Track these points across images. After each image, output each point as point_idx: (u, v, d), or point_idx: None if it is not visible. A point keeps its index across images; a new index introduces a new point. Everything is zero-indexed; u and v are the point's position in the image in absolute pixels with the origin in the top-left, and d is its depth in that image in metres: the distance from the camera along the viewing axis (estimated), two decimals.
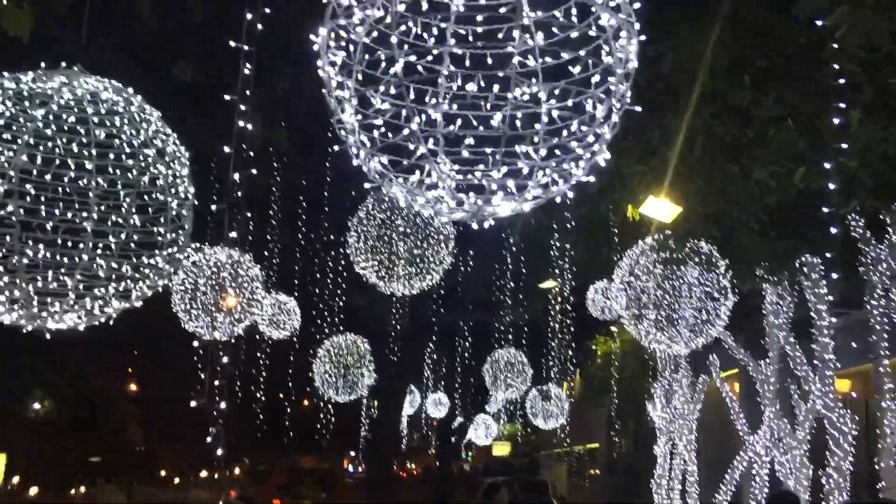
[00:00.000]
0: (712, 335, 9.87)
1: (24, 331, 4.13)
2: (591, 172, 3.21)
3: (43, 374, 35.31)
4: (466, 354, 18.05)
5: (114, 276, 4.08)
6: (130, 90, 4.22)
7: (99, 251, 4.09)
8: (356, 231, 9.15)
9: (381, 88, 3.09)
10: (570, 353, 18.91)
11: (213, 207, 6.99)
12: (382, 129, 3.18)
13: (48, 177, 3.99)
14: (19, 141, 3.92)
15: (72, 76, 4.05)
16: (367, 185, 3.36)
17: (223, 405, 6.74)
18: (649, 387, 17.25)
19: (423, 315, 13.80)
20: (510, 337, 16.96)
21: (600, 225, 9.85)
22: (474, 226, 3.57)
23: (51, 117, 4.04)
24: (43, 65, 4.08)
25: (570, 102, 3.07)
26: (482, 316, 15.99)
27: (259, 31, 5.68)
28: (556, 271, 12.99)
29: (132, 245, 4.14)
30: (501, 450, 57.91)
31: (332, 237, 11.93)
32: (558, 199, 3.37)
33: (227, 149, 5.61)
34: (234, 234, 6.92)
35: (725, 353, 13.03)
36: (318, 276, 12.60)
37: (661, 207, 7.91)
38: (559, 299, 15.18)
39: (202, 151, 7.47)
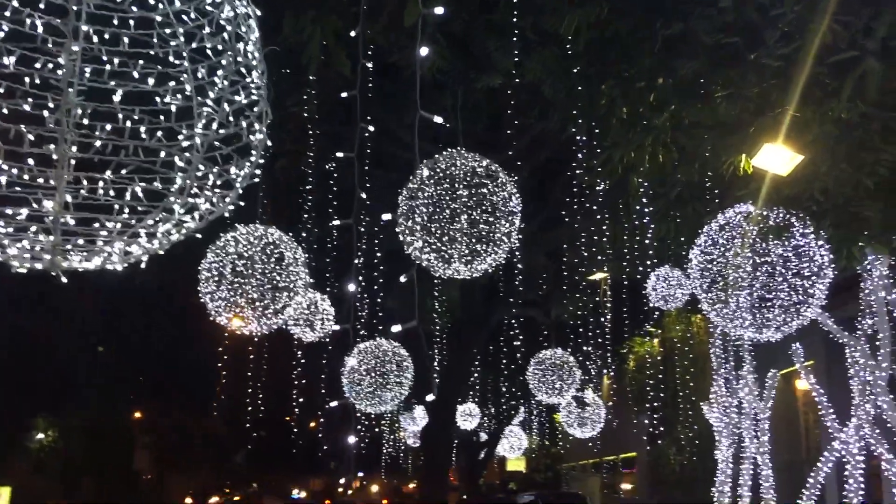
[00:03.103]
0: (808, 317, 8.61)
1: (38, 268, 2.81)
2: None
3: (45, 402, 34.05)
4: (500, 361, 16.71)
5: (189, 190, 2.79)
6: None
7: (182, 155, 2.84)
8: (407, 206, 7.87)
9: None
10: (606, 355, 17.56)
11: None
12: None
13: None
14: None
15: None
16: None
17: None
18: (706, 386, 15.93)
19: (473, 313, 12.46)
20: (546, 340, 15.60)
21: (693, 190, 8.52)
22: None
23: None
24: None
25: None
26: (518, 315, 14.63)
27: None
28: (614, 260, 11.68)
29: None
30: (516, 465, 56.15)
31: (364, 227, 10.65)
32: None
33: None
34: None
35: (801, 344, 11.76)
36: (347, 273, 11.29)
37: (777, 156, 6.65)
38: (607, 293, 13.89)
39: None
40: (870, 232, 8.39)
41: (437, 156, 8.05)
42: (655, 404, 20.35)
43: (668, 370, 18.90)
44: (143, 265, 3.10)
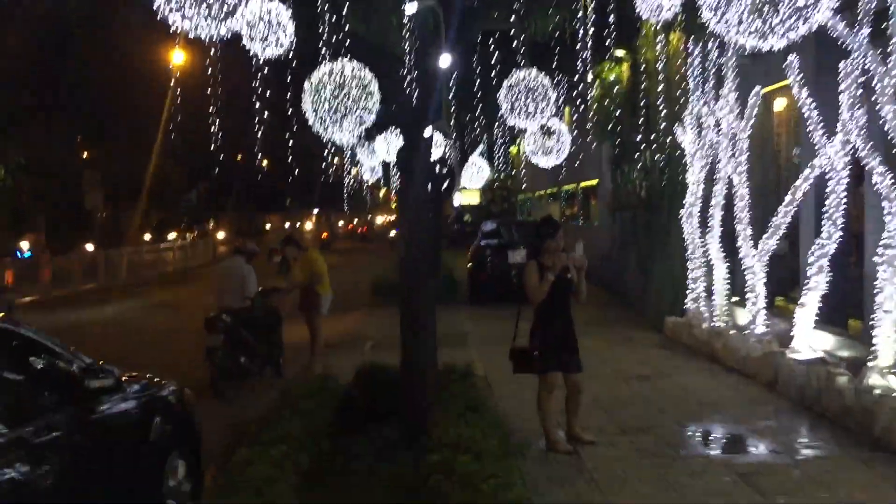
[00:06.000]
0: (817, 21, 7.83)
1: None
2: None
3: None
4: (471, 83, 15.73)
5: None
6: None
7: None
8: None
9: None
10: (585, 76, 16.66)
11: None
12: None
13: None
14: None
15: None
16: None
17: None
18: (679, 110, 15.40)
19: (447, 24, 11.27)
20: (521, 60, 14.58)
21: None
22: None
23: None
24: None
25: None
26: (492, 30, 13.51)
27: None
28: None
29: None
30: (470, 196, 56.32)
31: None
32: None
33: None
34: None
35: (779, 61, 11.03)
36: None
37: None
38: (588, 5, 12.76)
39: None
40: None
41: None
42: (619, 129, 19.97)
43: (637, 95, 18.26)
44: None
